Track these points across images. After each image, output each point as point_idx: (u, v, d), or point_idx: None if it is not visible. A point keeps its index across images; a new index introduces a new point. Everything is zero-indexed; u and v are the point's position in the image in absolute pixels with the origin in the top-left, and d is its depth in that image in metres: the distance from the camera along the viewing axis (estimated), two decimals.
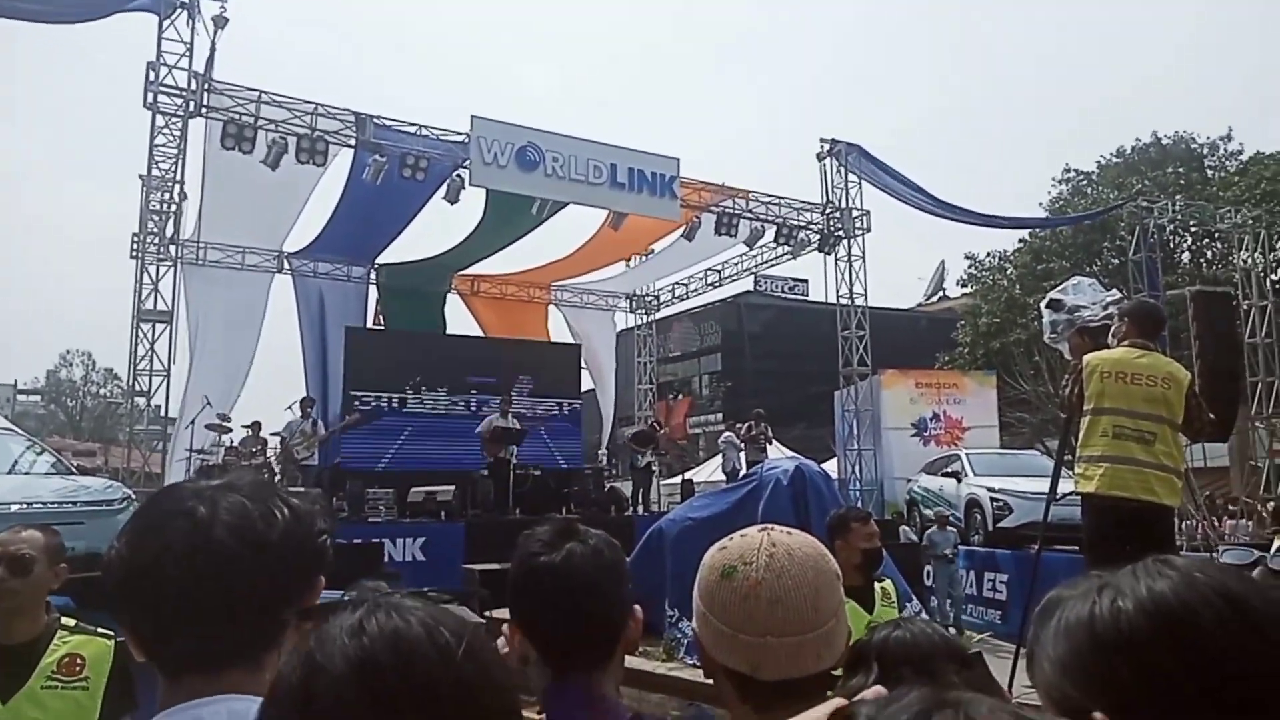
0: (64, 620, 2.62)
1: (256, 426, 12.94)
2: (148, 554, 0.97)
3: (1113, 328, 4.97)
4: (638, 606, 1.56)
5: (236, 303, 15.39)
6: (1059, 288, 5.54)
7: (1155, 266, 17.85)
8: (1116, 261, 24.47)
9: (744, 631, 1.14)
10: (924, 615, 7.91)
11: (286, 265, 16.51)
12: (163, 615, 0.97)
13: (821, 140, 16.00)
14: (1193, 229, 25.45)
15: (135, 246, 12.85)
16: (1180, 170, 28.77)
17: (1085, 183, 31.12)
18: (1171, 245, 27.05)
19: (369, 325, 17.41)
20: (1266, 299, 17.69)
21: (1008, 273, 30.74)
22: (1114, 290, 5.60)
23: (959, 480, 13.09)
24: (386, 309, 17.80)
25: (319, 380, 16.38)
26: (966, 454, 13.93)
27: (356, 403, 14.63)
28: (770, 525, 1.27)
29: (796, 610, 1.14)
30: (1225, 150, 30.77)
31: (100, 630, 2.61)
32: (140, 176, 12.41)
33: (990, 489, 12.18)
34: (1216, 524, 14.49)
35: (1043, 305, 5.50)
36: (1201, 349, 11.45)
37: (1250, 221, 18.56)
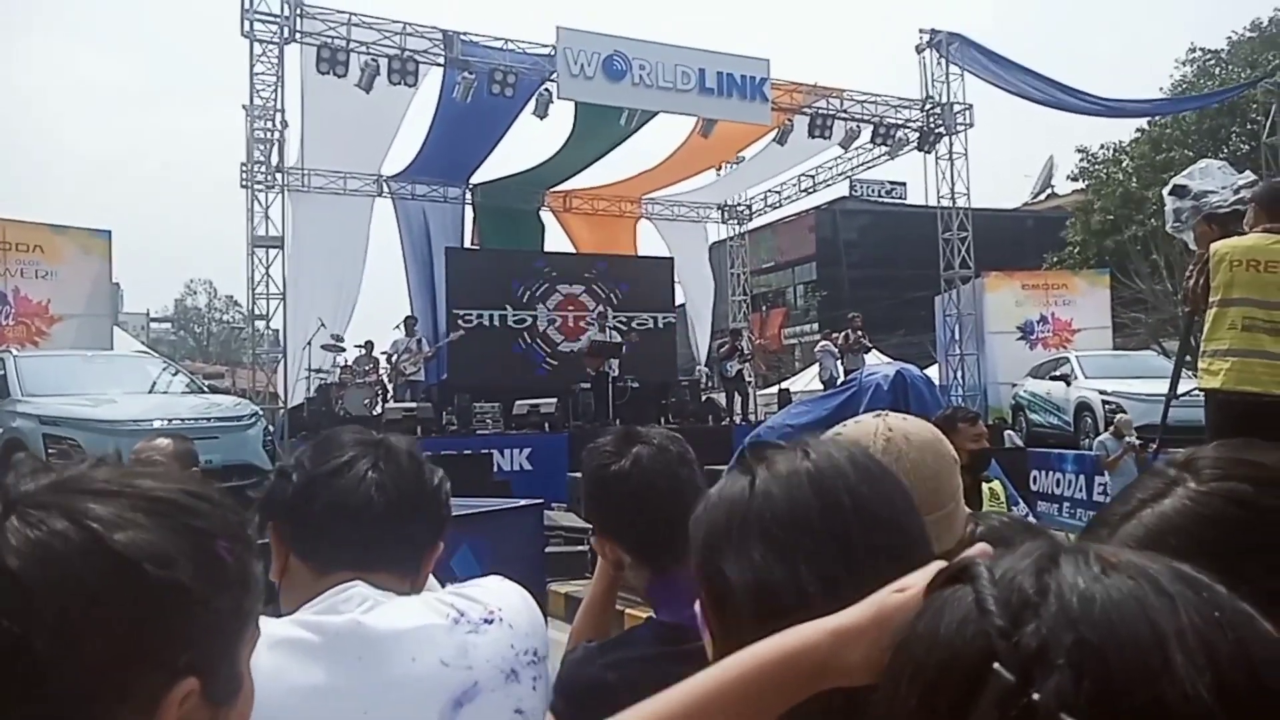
0: None
1: (369, 346, 13.52)
2: (333, 467, 1.14)
3: (1246, 214, 4.66)
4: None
5: (342, 227, 15.88)
6: (1184, 173, 5.20)
7: None
8: (1247, 147, 22.61)
9: None
10: (1031, 519, 7.81)
11: (386, 189, 16.87)
12: (343, 521, 1.12)
13: (921, 31, 15.18)
14: None
15: (244, 175, 13.34)
16: None
17: (1213, 62, 28.63)
18: None
19: (467, 245, 17.76)
20: None
21: (1123, 165, 28.84)
22: (1246, 173, 5.22)
23: (1068, 384, 12.72)
24: (483, 228, 18.10)
25: (424, 300, 16.89)
26: (1076, 356, 13.47)
27: (459, 320, 15.07)
28: (884, 411, 1.27)
29: (919, 490, 1.12)
30: None
31: None
32: (243, 106, 12.79)
33: (1102, 391, 11.80)
34: None
35: (1165, 192, 5.18)
36: None
37: None
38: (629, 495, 1.39)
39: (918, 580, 0.62)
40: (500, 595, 1.13)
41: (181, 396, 9.45)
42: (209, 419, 8.58)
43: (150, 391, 9.40)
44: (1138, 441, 9.21)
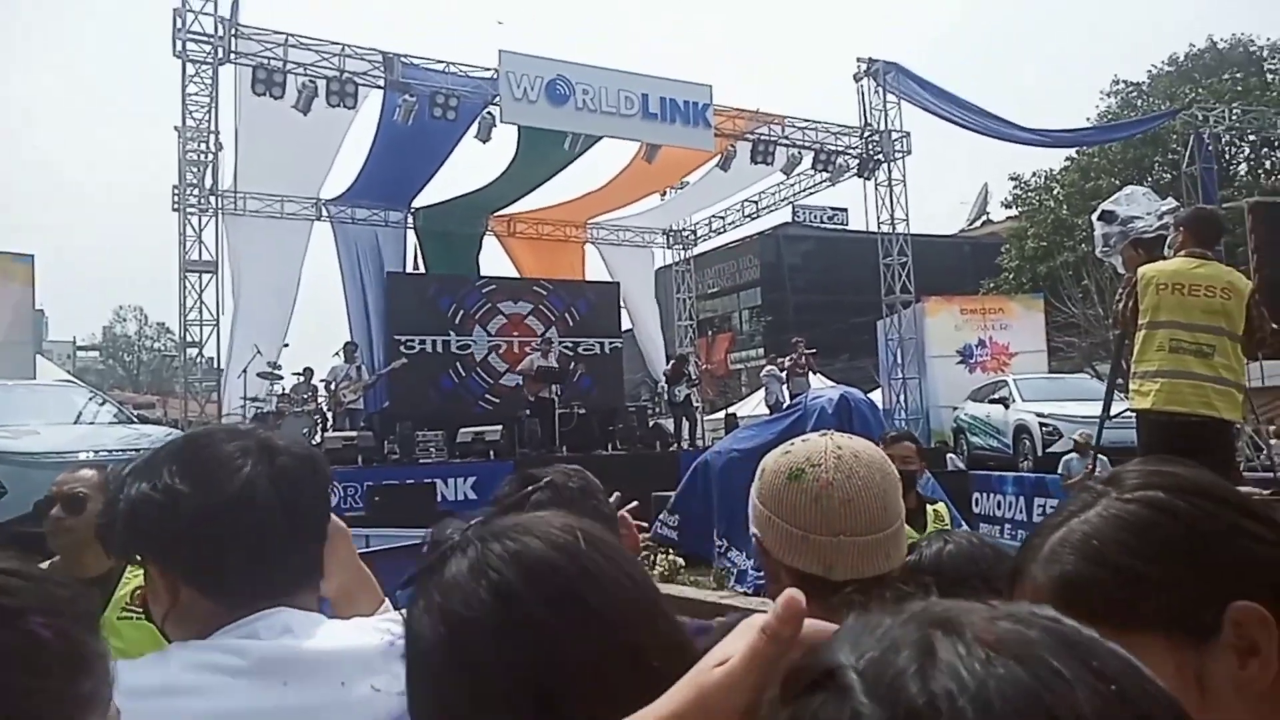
0: None
1: (308, 373, 13.20)
2: (225, 488, 1.01)
3: (1169, 238, 4.81)
4: (625, 513, 1.60)
5: (278, 251, 15.54)
6: (1111, 199, 5.36)
7: (1211, 178, 17.15)
8: (1169, 176, 23.58)
9: (816, 532, 1.16)
10: None
11: (325, 212, 16.59)
12: (241, 547, 1.01)
13: (858, 60, 15.51)
14: (1250, 138, 24.42)
15: (176, 198, 12.98)
16: (1238, 76, 27.42)
17: (1135, 94, 29.88)
18: (1228, 156, 26.01)
19: (409, 270, 17.53)
20: None
21: (1054, 193, 29.84)
22: (1169, 199, 5.40)
23: (1006, 406, 12.95)
24: (425, 252, 17.88)
25: (363, 325, 16.59)
26: (1014, 380, 13.74)
27: (400, 347, 14.82)
28: (830, 430, 1.28)
29: (867, 509, 1.16)
30: None
31: None
32: (175, 127, 12.47)
33: (1039, 414, 12.05)
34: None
35: (1094, 218, 5.33)
36: (1260, 261, 11.10)
37: None
38: None
39: (737, 648, 0.53)
40: None
41: (109, 427, 9.09)
42: (138, 449, 8.22)
43: (76, 422, 9.03)
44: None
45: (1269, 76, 28.29)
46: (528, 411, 13.17)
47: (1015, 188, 32.13)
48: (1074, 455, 10.30)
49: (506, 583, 0.72)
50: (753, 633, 0.51)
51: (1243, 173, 27.12)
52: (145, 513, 1.02)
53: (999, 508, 11.70)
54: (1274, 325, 4.57)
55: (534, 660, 0.69)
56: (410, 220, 17.50)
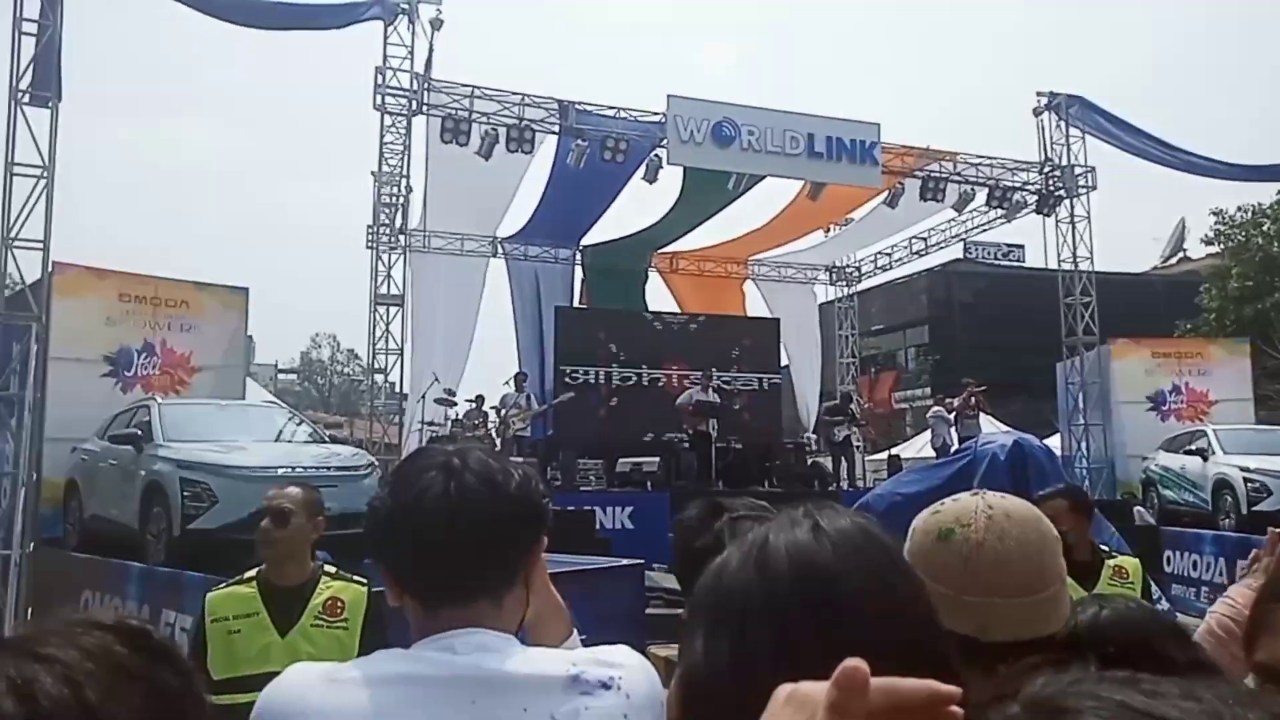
0: (326, 567, 2.99)
1: (480, 400, 13.91)
2: (409, 497, 1.13)
3: None
4: None
5: (457, 286, 16.52)
6: None
7: None
8: None
9: (968, 593, 1.13)
10: (1164, 604, 7.28)
11: (500, 250, 17.51)
12: (422, 550, 1.11)
13: (1039, 94, 14.87)
14: None
15: (370, 237, 14.11)
16: None
17: None
18: None
19: (576, 304, 18.18)
20: None
21: (1263, 228, 27.15)
22: None
23: (1204, 458, 11.88)
24: (591, 288, 18.51)
25: (532, 356, 17.31)
26: (1214, 429, 12.59)
27: (566, 378, 15.35)
28: (982, 490, 1.25)
29: (1022, 571, 1.14)
30: None
31: (356, 578, 2.96)
32: (372, 173, 13.60)
33: (1244, 468, 11.00)
34: None
35: None
36: None
37: None
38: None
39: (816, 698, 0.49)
40: (625, 665, 1.12)
41: (305, 445, 9.85)
42: (329, 468, 8.89)
43: (277, 440, 9.85)
44: None
45: None
46: (685, 444, 13.29)
47: (1217, 223, 29.48)
48: None
49: (850, 540, 0.73)
50: (807, 709, 0.49)
51: None
52: (367, 522, 1.20)
53: (1194, 568, 10.75)
54: None
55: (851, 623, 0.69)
56: (579, 257, 18.18)
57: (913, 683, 0.49)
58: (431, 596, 1.13)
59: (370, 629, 2.77)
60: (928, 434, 16.62)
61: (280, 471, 7.82)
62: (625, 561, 6.66)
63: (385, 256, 13.78)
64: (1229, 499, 11.09)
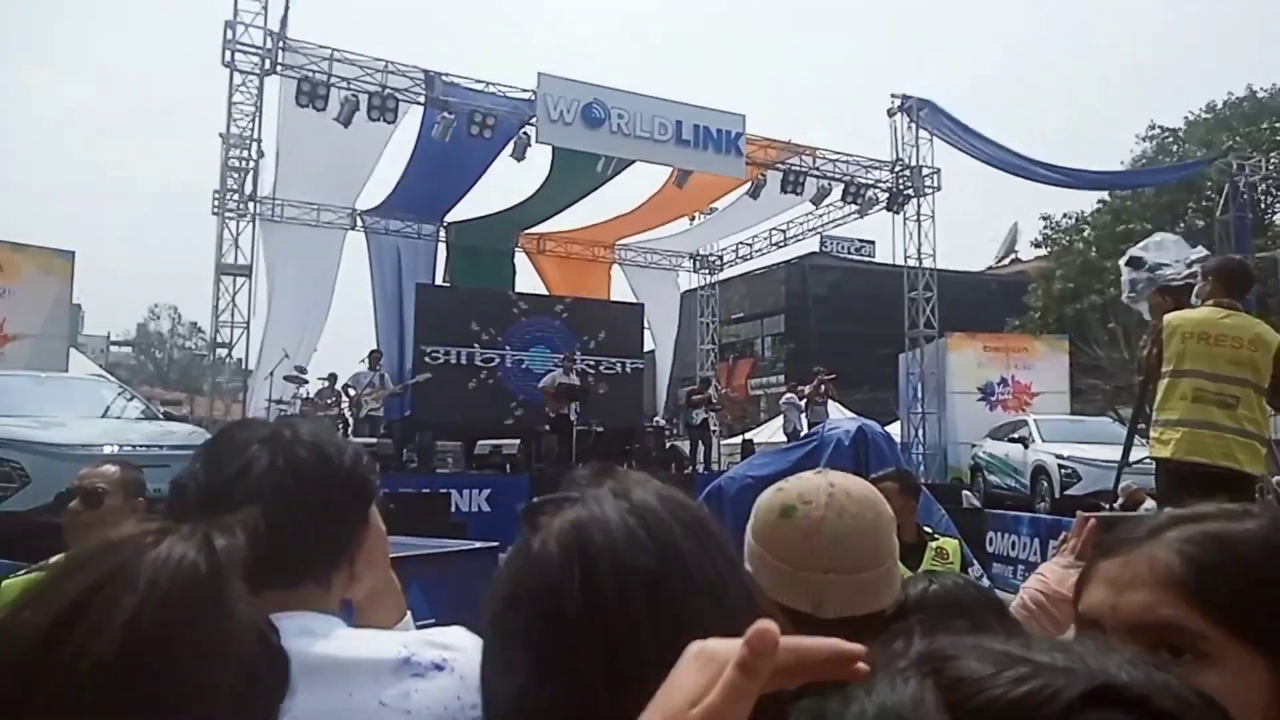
0: None
1: (332, 379, 13.37)
2: (230, 472, 1.04)
3: (1196, 287, 4.79)
4: None
5: (311, 258, 15.80)
6: (1140, 245, 5.36)
7: (1245, 227, 17.04)
8: (1202, 223, 23.40)
9: (806, 569, 1.15)
10: (985, 582, 7.84)
11: (359, 223, 16.86)
12: (266, 540, 1.00)
13: (892, 95, 15.61)
14: None
15: (216, 202, 13.26)
16: (1277, 125, 27.23)
17: (1171, 140, 29.71)
18: (1263, 206, 25.74)
19: (438, 282, 17.75)
20: None
21: (1084, 234, 29.64)
22: (1198, 247, 5.40)
23: (1026, 446, 12.86)
24: (455, 266, 18.11)
25: (390, 335, 16.79)
26: (1035, 420, 13.65)
27: (426, 357, 14.98)
28: (825, 469, 1.29)
29: (858, 547, 1.16)
30: None
31: None
32: (220, 134, 12.76)
33: (1058, 455, 11.95)
34: None
35: (1122, 263, 5.33)
36: None
37: None
38: None
39: (699, 682, 0.51)
40: (459, 646, 1.07)
41: (135, 423, 9.21)
42: (162, 446, 8.36)
43: (103, 416, 9.16)
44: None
45: None
46: (547, 427, 13.25)
47: (1045, 227, 31.97)
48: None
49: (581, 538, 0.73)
50: (713, 667, 0.51)
51: (1278, 223, 26.84)
52: (169, 500, 1.10)
53: (1013, 548, 11.58)
54: None
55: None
56: (443, 234, 17.73)
57: (818, 641, 0.51)
58: (252, 579, 1.06)
59: None
60: (780, 419, 17.23)
61: (106, 450, 7.29)
62: (480, 544, 6.54)
63: (233, 224, 13.01)
64: (1045, 484, 12.04)
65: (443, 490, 10.90)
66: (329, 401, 12.93)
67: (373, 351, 14.07)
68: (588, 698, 0.65)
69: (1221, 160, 18.01)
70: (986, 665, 0.44)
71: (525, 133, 13.29)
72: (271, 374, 12.83)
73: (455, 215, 17.44)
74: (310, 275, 15.76)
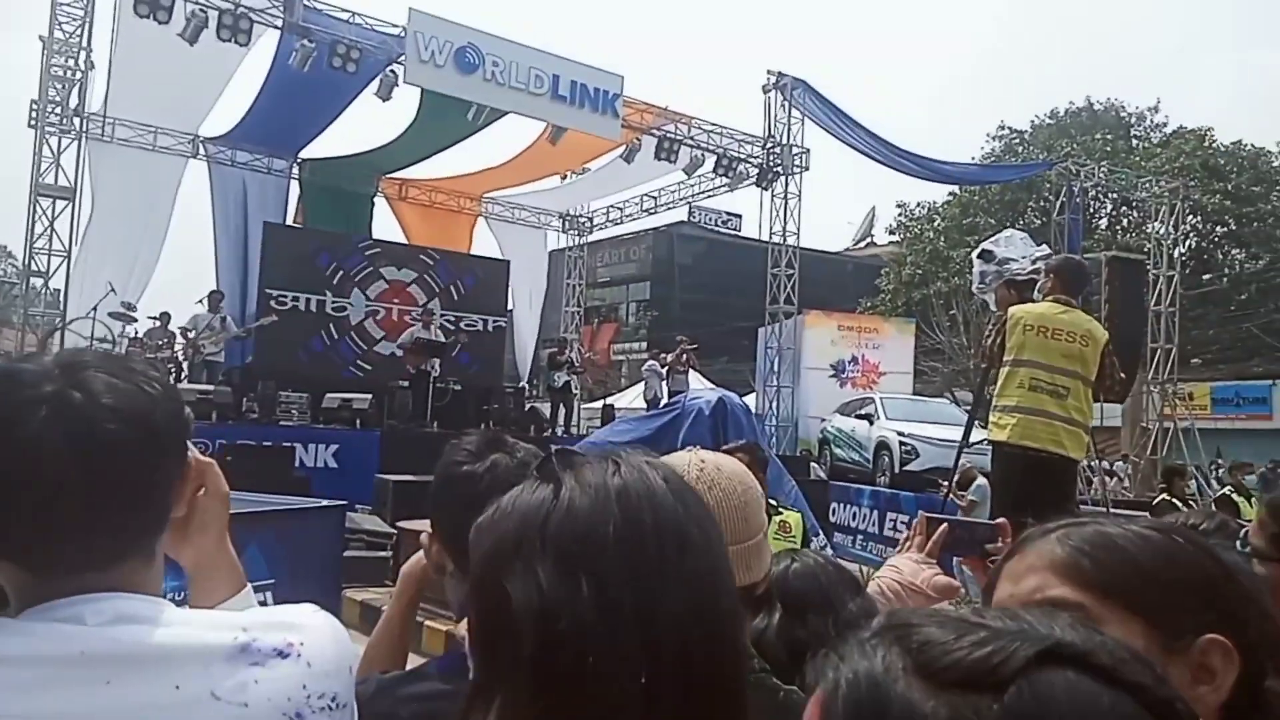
0: None
1: (165, 318, 12.40)
2: (10, 451, 0.83)
3: (1039, 282, 5.07)
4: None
5: (146, 186, 14.53)
6: (991, 239, 5.61)
7: (1077, 229, 18.38)
8: (1040, 222, 25.14)
9: None
10: (829, 551, 8.18)
11: (202, 151, 15.62)
12: (41, 520, 0.84)
13: (768, 72, 15.77)
14: (1113, 196, 26.27)
15: (34, 115, 11.92)
16: (1108, 137, 29.52)
17: (1018, 141, 31.73)
18: (1091, 210, 27.92)
19: (289, 222, 16.72)
20: (1174, 270, 18.45)
21: (935, 224, 31.33)
22: (1043, 245, 5.71)
23: (871, 422, 13.47)
24: (309, 206, 17.11)
25: (235, 275, 15.73)
26: (880, 397, 14.31)
27: (273, 301, 14.12)
28: (694, 446, 1.31)
29: (728, 520, 1.17)
30: (1152, 121, 31.72)
31: None
32: (40, 38, 11.44)
33: (900, 433, 12.58)
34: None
35: (974, 255, 5.57)
36: (1111, 312, 11.96)
37: (1167, 194, 19.21)
38: (471, 498, 1.31)
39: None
40: (307, 628, 0.94)
41: None
42: None
43: None
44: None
45: (1134, 141, 30.57)
46: (403, 383, 12.79)
47: (900, 215, 33.58)
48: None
49: (627, 488, 0.77)
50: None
51: (1103, 227, 29.19)
52: None
53: (854, 519, 12.17)
54: (1122, 375, 4.90)
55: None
56: (296, 171, 16.70)
57: None
58: (43, 561, 0.86)
59: None
60: (641, 386, 17.37)
61: None
62: (325, 502, 6.22)
63: (54, 141, 11.74)
64: (887, 459, 12.67)
65: (286, 444, 10.35)
66: (160, 343, 11.99)
67: (213, 292, 13.12)
68: (613, 614, 0.70)
69: (1061, 165, 19.32)
70: (948, 631, 0.50)
71: (393, 71, 12.60)
72: (95, 309, 11.75)
73: (311, 152, 16.45)
74: (143, 204, 14.49)
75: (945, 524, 1.96)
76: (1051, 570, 0.84)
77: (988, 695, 0.46)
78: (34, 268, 11.78)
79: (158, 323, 12.38)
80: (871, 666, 0.49)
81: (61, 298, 12.39)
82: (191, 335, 12.24)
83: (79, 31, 11.44)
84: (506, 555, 0.75)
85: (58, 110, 11.82)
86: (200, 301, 12.85)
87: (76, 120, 12.23)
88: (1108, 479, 15.96)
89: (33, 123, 11.89)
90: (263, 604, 1.11)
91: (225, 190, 16.02)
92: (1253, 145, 29.02)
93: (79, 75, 11.88)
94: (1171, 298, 18.10)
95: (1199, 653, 0.78)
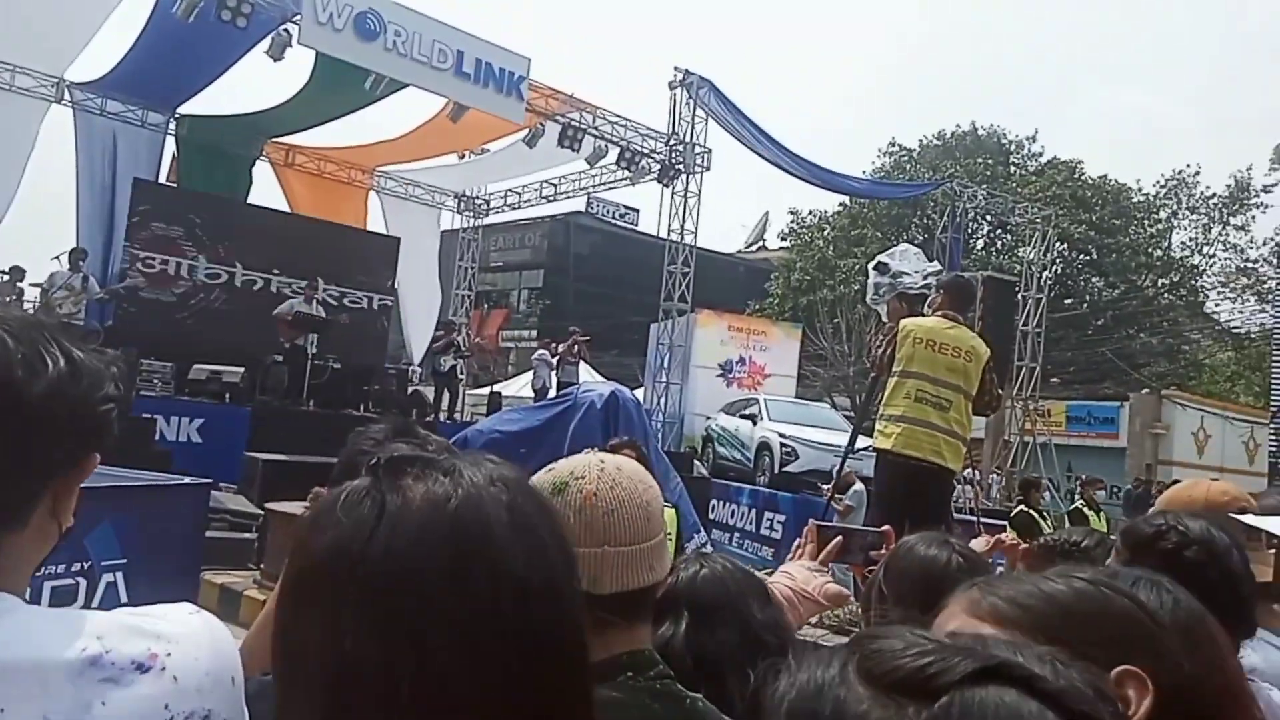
0: None
1: (17, 273, 11.44)
2: None
3: (929, 297, 5.25)
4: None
5: (1, 130, 13.36)
6: (887, 252, 5.78)
7: (958, 248, 19.28)
8: (922, 238, 26.23)
9: (581, 544, 1.13)
10: (709, 548, 8.25)
11: (68, 96, 14.46)
12: None
13: (675, 69, 15.81)
14: (989, 219, 27.71)
15: None
16: (989, 161, 31.10)
17: (906, 159, 33.04)
18: (970, 231, 29.37)
19: (162, 180, 15.69)
20: (1041, 293, 19.59)
21: (825, 233, 32.29)
22: (935, 262, 5.92)
23: (754, 423, 13.73)
24: (185, 165, 16.06)
25: (98, 232, 14.61)
26: (764, 399, 14.61)
27: (139, 263, 13.21)
28: (584, 438, 1.29)
29: (631, 519, 1.18)
30: (1029, 150, 33.62)
31: None
32: None
33: (781, 434, 12.86)
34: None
35: (870, 266, 5.73)
36: (983, 330, 12.57)
37: (1039, 221, 20.37)
38: None
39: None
40: (178, 634, 0.81)
41: None
42: None
43: None
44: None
45: (1012, 168, 32.32)
46: (277, 358, 12.19)
47: (792, 221, 34.45)
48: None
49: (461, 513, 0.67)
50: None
51: (979, 248, 30.74)
52: None
53: (733, 516, 12.39)
54: (999, 391, 5.12)
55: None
56: (173, 127, 15.67)
57: None
58: None
59: None
60: (529, 375, 17.16)
61: None
62: (188, 480, 5.83)
63: None
64: (767, 459, 12.94)
65: (147, 415, 9.69)
66: (8, 299, 11.03)
67: (74, 249, 12.14)
68: (435, 680, 0.61)
69: (947, 185, 20.18)
70: (903, 643, 0.52)
71: (286, 30, 11.94)
72: None
73: (191, 108, 15.47)
74: None
75: (839, 534, 1.99)
76: (969, 613, 0.87)
77: (920, 702, 0.48)
78: None
79: (6, 277, 11.39)
80: (825, 671, 0.52)
81: None
82: (49, 293, 11.30)
83: None
84: (309, 587, 0.65)
85: None
86: (58, 258, 11.87)
87: None
88: (973, 488, 16.82)
89: None
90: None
91: (92, 141, 14.87)
92: (1116, 180, 31.23)
93: None
94: (1038, 319, 19.19)
95: (1114, 684, 0.79)
